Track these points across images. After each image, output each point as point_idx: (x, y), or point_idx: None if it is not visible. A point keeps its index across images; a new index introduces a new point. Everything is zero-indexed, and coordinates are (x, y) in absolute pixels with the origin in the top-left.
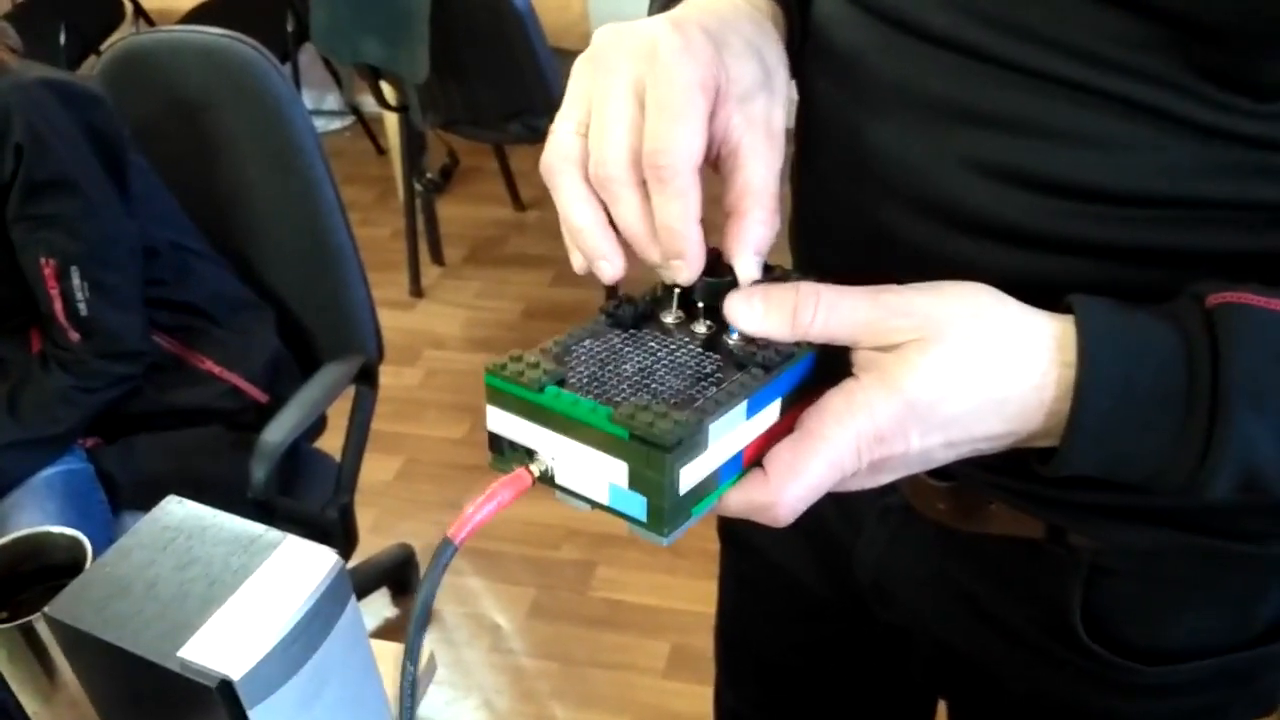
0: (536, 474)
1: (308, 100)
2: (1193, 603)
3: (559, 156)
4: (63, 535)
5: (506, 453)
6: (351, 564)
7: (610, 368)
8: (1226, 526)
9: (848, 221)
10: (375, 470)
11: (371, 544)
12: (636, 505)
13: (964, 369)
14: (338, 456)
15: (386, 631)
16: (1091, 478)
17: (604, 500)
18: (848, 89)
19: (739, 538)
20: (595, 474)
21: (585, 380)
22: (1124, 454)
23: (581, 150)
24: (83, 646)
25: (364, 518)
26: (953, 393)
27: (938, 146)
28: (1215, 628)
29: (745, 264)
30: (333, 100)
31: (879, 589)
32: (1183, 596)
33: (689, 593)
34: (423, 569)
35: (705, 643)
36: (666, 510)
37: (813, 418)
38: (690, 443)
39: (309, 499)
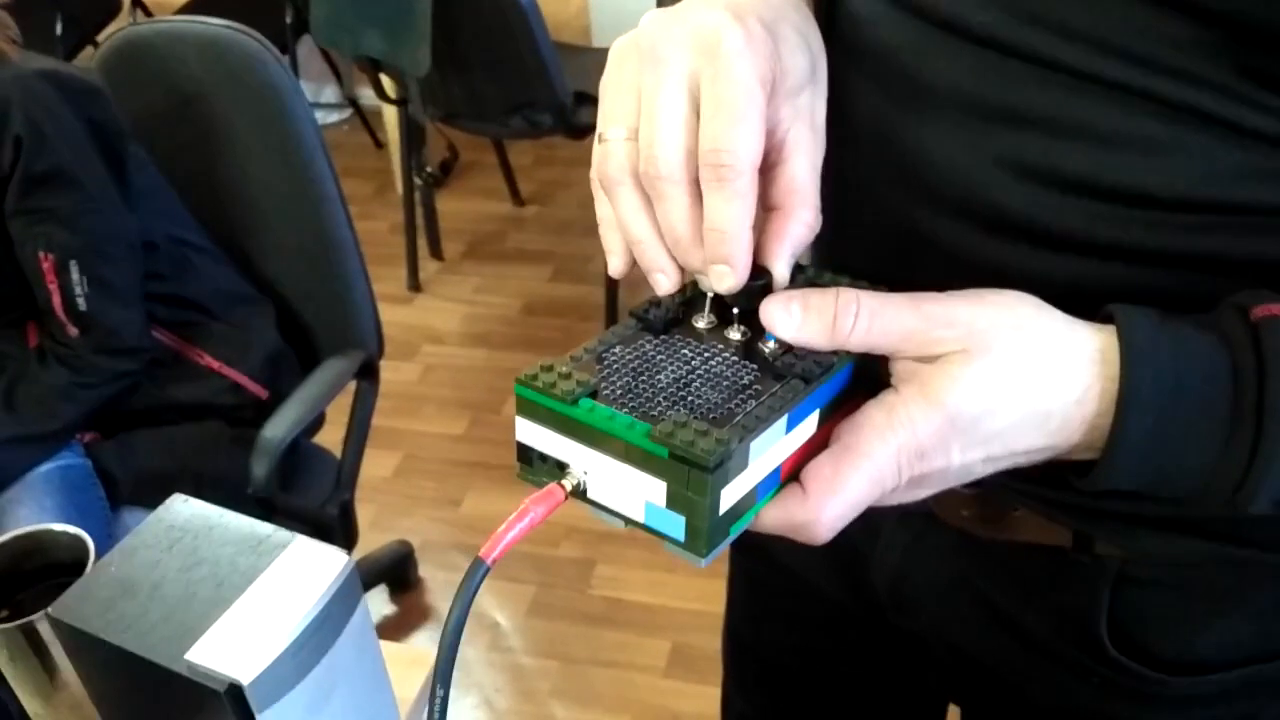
0: (569, 489)
1: (305, 93)
2: (1223, 613)
3: (617, 168)
4: (65, 533)
5: (536, 465)
6: None
7: (644, 378)
8: (1262, 537)
9: (878, 223)
10: (373, 466)
11: (370, 540)
12: (674, 525)
13: (1007, 383)
14: (336, 452)
15: (385, 629)
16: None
17: (640, 518)
18: (881, 87)
19: (750, 540)
20: (631, 491)
21: (619, 392)
22: (1165, 470)
23: (634, 159)
24: (87, 648)
25: (362, 514)
26: (996, 407)
27: (975, 147)
28: (1244, 637)
29: (783, 265)
30: (330, 93)
31: (897, 595)
32: (1213, 607)
33: (689, 591)
34: (421, 566)
35: (706, 641)
36: (706, 531)
37: (852, 432)
38: (732, 462)
39: (308, 495)
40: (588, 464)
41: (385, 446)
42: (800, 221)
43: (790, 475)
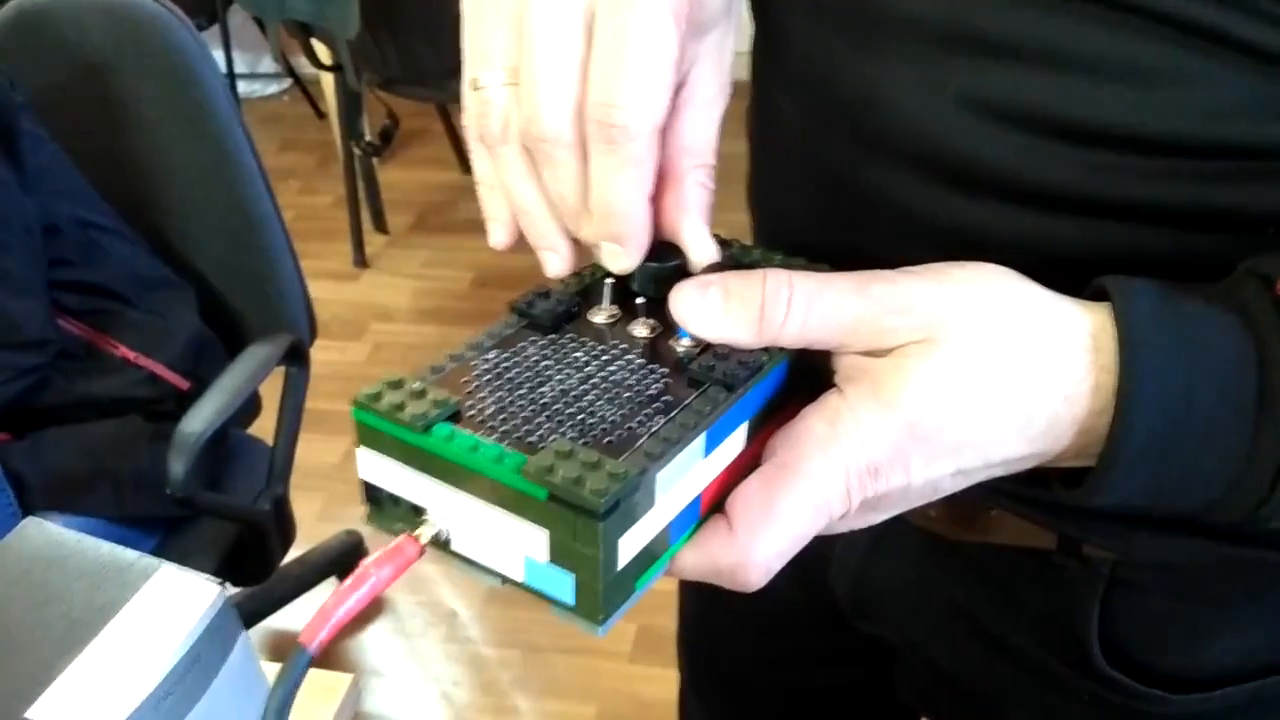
0: (425, 541)
1: (241, 64)
2: (1229, 622)
3: (499, 124)
4: None
5: (387, 508)
6: (296, 553)
7: (524, 392)
8: (1276, 537)
9: (820, 180)
10: (321, 453)
11: (319, 531)
12: (561, 585)
13: (977, 378)
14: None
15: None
16: None
17: (518, 577)
18: (818, 15)
19: None
20: (506, 542)
21: (490, 412)
22: (1174, 481)
23: (518, 109)
24: None
25: (310, 503)
26: (964, 410)
27: (933, 84)
28: (1253, 648)
29: (697, 236)
30: (268, 63)
31: (859, 601)
32: (1218, 615)
33: None
34: (372, 556)
35: (672, 623)
36: (601, 592)
37: (787, 447)
38: (631, 503)
39: (240, 491)
40: (450, 507)
41: (332, 432)
42: (696, 184)
43: (714, 505)
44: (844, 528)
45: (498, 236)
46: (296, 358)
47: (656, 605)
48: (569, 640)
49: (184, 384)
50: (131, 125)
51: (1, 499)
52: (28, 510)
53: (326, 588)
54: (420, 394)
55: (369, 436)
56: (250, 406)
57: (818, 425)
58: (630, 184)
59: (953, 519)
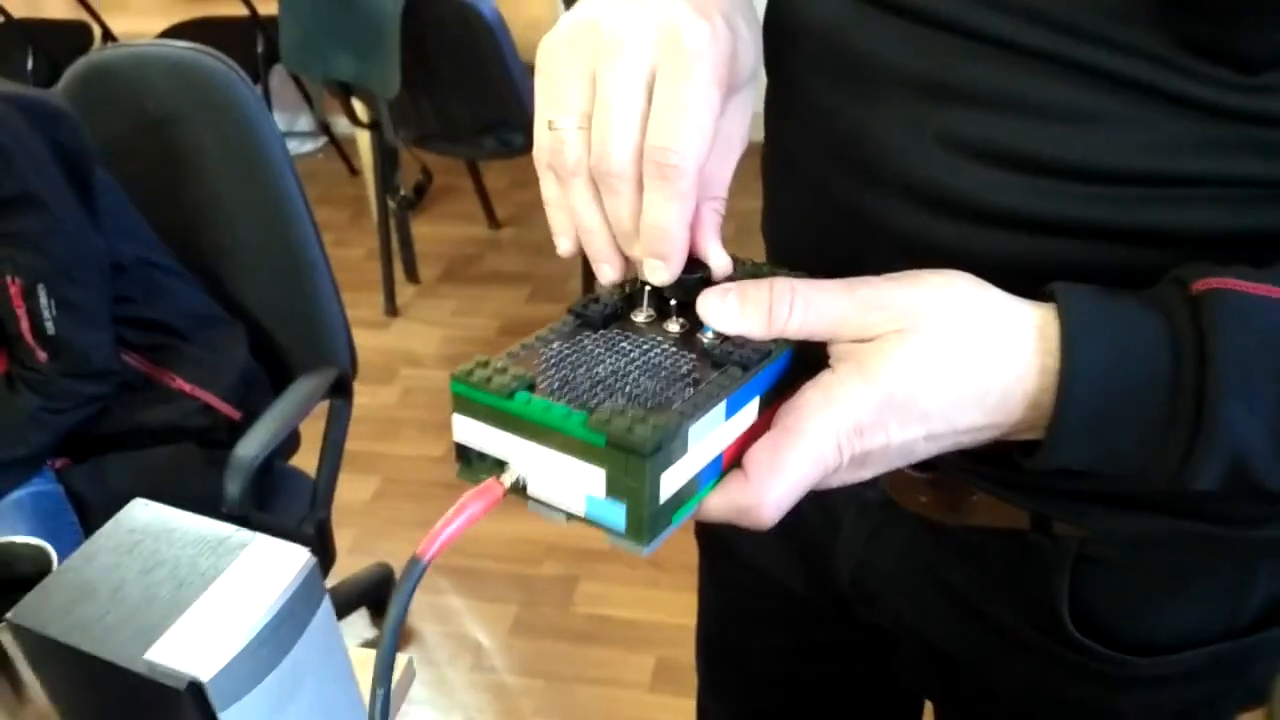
0: (508, 485)
1: (280, 122)
2: (1184, 591)
3: (574, 160)
4: (26, 545)
5: (475, 463)
6: (329, 584)
7: (582, 370)
8: (1219, 511)
9: (823, 208)
10: (353, 490)
11: (350, 564)
12: (615, 515)
13: (942, 359)
14: (313, 475)
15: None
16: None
17: (580, 511)
18: (820, 67)
19: (717, 541)
20: (570, 483)
21: (556, 384)
22: (1110, 448)
23: (588, 148)
24: (47, 653)
25: (342, 538)
26: (931, 383)
27: (914, 125)
28: (1207, 616)
29: (717, 254)
30: (305, 122)
31: (860, 587)
32: (1174, 585)
33: (672, 605)
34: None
35: (691, 655)
36: (647, 519)
37: (790, 413)
38: (670, 447)
39: (284, 517)
40: (526, 459)
41: (364, 471)
42: (712, 210)
43: (733, 463)
44: (838, 481)
45: (564, 247)
46: (340, 390)
47: (674, 639)
48: (590, 671)
49: (235, 414)
50: (191, 173)
51: (65, 518)
52: (88, 530)
53: (358, 618)
54: (503, 370)
55: (463, 405)
56: (292, 440)
57: (814, 396)
58: (678, 212)
59: (940, 504)
